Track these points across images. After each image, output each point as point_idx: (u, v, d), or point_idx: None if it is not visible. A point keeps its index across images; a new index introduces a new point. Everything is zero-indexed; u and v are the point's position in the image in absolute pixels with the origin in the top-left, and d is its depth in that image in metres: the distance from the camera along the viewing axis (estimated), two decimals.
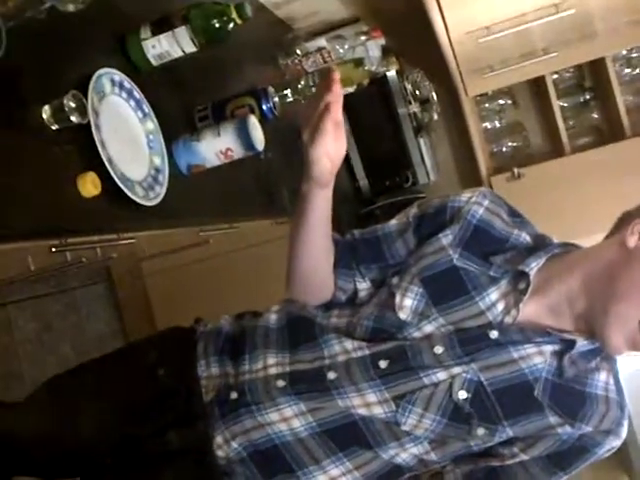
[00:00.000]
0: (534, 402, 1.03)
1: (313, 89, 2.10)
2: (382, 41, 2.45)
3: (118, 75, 1.20)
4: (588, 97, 2.89)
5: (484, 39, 1.78)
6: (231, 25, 1.31)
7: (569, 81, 2.89)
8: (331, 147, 1.06)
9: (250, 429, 1.09)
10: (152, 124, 1.27)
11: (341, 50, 2.23)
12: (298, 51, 2.25)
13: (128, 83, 1.22)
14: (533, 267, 1.06)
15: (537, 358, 1.03)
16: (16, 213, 0.93)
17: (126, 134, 1.22)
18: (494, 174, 2.82)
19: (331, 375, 1.07)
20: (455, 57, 2.01)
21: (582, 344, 1.04)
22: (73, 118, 1.01)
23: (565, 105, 2.88)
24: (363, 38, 2.39)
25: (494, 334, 1.04)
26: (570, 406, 1.04)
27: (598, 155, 2.61)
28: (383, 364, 1.06)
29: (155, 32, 1.28)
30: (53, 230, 1.03)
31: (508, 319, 1.06)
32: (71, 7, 1.08)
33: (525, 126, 3.03)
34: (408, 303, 1.09)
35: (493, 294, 1.07)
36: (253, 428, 1.08)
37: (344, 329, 1.11)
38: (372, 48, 2.39)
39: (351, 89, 2.27)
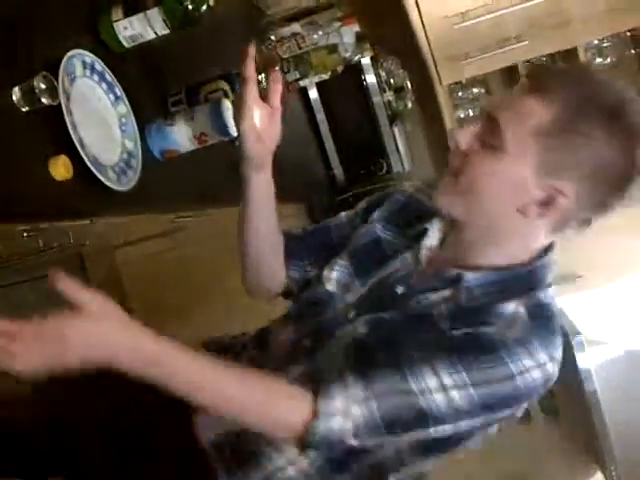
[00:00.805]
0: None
1: (287, 75, 2.09)
2: (356, 27, 2.44)
3: (89, 57, 1.17)
4: None
5: (459, 25, 1.78)
6: (204, 7, 1.29)
7: None
8: (258, 123, 1.06)
9: None
10: (124, 107, 1.25)
11: (315, 36, 2.22)
12: (272, 37, 2.23)
13: (100, 65, 1.20)
14: (434, 222, 1.10)
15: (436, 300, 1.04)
16: None
17: (98, 117, 1.20)
18: None
19: None
20: (429, 44, 2.00)
21: (472, 277, 1.03)
22: (44, 100, 0.99)
23: None
24: (337, 24, 2.37)
25: (400, 289, 1.07)
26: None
27: None
28: (307, 342, 1.11)
29: (127, 13, 1.26)
30: (24, 214, 1.01)
31: (419, 269, 1.09)
32: None
33: None
34: (334, 275, 1.14)
35: (407, 253, 1.10)
36: None
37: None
38: (346, 34, 2.37)
39: (325, 76, 2.26)
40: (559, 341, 0.99)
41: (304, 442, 0.95)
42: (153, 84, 1.44)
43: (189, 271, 2.18)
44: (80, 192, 1.09)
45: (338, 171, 2.95)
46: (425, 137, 3.13)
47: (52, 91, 1.00)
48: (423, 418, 0.94)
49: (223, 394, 0.93)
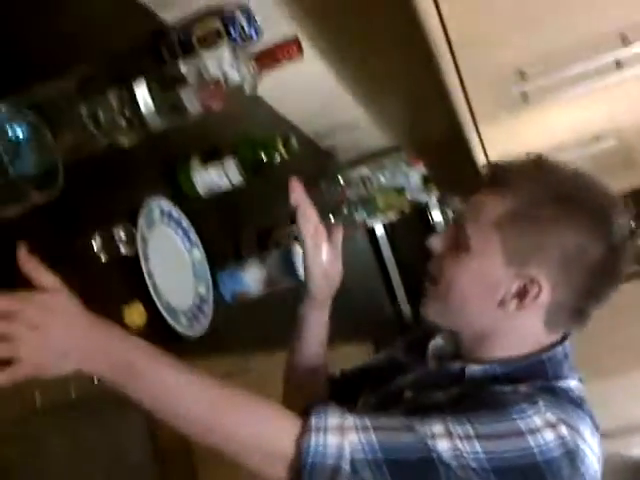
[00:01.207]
0: None
1: (355, 216, 2.14)
2: (422, 169, 2.50)
3: (167, 204, 1.22)
4: (634, 225, 2.86)
5: None
6: (277, 158, 1.35)
7: None
8: (325, 261, 1.09)
9: None
10: (199, 253, 1.28)
11: (383, 178, 2.28)
12: (341, 179, 2.30)
13: (176, 212, 1.24)
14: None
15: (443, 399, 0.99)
16: None
17: (173, 263, 1.23)
18: None
19: None
20: None
21: (476, 368, 0.99)
22: (122, 250, 1.02)
23: None
24: (404, 167, 2.44)
25: (408, 393, 1.03)
26: None
27: None
28: None
29: (205, 163, 1.33)
30: None
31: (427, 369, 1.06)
32: (125, 141, 1.13)
33: None
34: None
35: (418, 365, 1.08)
36: None
37: None
38: (413, 176, 2.43)
39: (393, 216, 2.30)
40: (581, 416, 0.90)
41: (297, 466, 0.84)
42: (226, 229, 1.49)
43: None
44: (152, 338, 1.10)
45: (405, 307, 2.93)
46: None
47: (131, 241, 1.04)
48: (428, 461, 0.85)
49: (206, 410, 0.85)
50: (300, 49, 1.20)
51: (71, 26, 1.16)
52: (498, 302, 0.97)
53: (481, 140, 1.62)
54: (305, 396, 1.15)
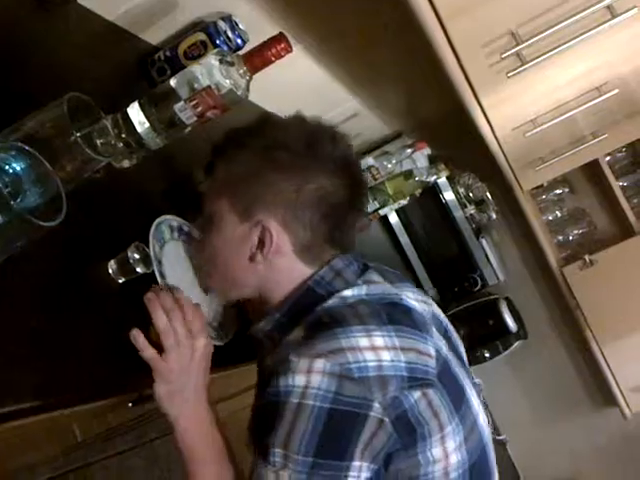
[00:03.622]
0: None
1: (367, 207, 2.12)
2: (428, 150, 2.47)
3: (176, 221, 1.22)
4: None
5: (531, 132, 1.77)
6: None
7: (624, 160, 2.85)
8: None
9: None
10: None
11: (389, 165, 2.26)
12: None
13: (186, 226, 1.24)
14: None
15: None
16: (92, 371, 0.93)
17: (189, 276, 1.22)
18: (565, 265, 2.74)
19: None
20: (505, 155, 1.99)
21: (260, 326, 1.06)
22: (139, 269, 1.02)
23: (625, 184, 2.82)
24: (409, 151, 2.42)
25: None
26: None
27: None
28: None
29: (208, 175, 1.31)
30: (130, 384, 1.02)
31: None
32: (126, 163, 1.13)
33: (587, 212, 2.97)
34: None
35: None
36: None
37: None
38: (419, 159, 2.41)
39: (404, 201, 2.28)
40: (346, 330, 0.89)
41: None
42: None
43: None
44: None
45: (432, 293, 2.90)
46: (515, 245, 3.07)
47: (145, 259, 1.03)
48: None
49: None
50: (288, 45, 1.18)
51: (56, 55, 1.16)
52: (249, 259, 1.02)
53: (483, 110, 1.60)
54: None
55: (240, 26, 1.50)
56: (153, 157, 1.15)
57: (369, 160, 2.24)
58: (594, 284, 2.65)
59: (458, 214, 2.82)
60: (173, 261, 1.17)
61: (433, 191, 2.75)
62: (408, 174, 2.20)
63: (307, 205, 0.99)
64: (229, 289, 1.11)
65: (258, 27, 1.45)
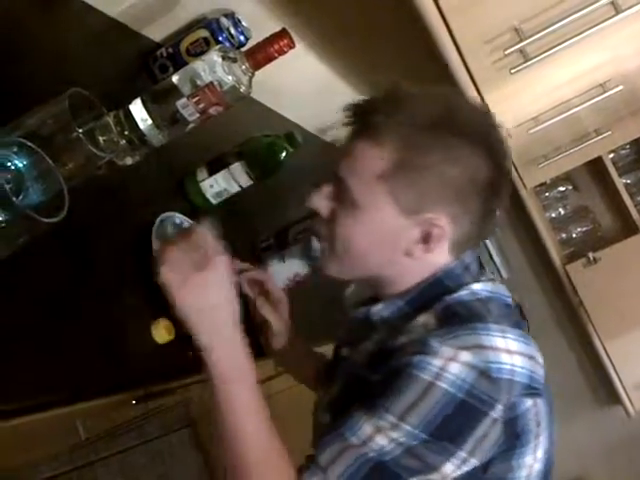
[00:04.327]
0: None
1: None
2: None
3: (179, 218, 1.21)
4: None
5: (534, 130, 1.76)
6: (284, 154, 1.33)
7: (628, 157, 2.84)
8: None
9: None
10: None
11: None
12: None
13: (188, 223, 1.23)
14: None
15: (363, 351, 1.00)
16: (96, 369, 0.93)
17: None
18: (568, 262, 2.74)
19: None
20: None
21: (378, 307, 0.99)
22: None
23: (629, 182, 2.82)
24: None
25: (344, 351, 1.06)
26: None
27: None
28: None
29: (211, 172, 1.32)
30: (132, 381, 1.02)
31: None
32: (129, 160, 1.13)
33: (591, 209, 2.96)
34: None
35: None
36: None
37: None
38: None
39: None
40: (479, 327, 0.88)
41: None
42: (242, 233, 1.48)
43: (300, 413, 2.14)
44: (183, 350, 1.09)
45: None
46: (518, 243, 3.06)
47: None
48: (382, 468, 0.85)
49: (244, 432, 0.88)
50: (291, 41, 1.18)
51: (58, 52, 1.16)
52: (404, 251, 0.95)
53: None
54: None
55: (243, 23, 1.49)
56: (154, 155, 1.15)
57: None
58: (598, 282, 2.64)
59: None
60: None
61: None
62: None
63: (475, 198, 0.94)
64: (352, 273, 1.02)
65: (261, 24, 1.45)
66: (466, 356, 0.85)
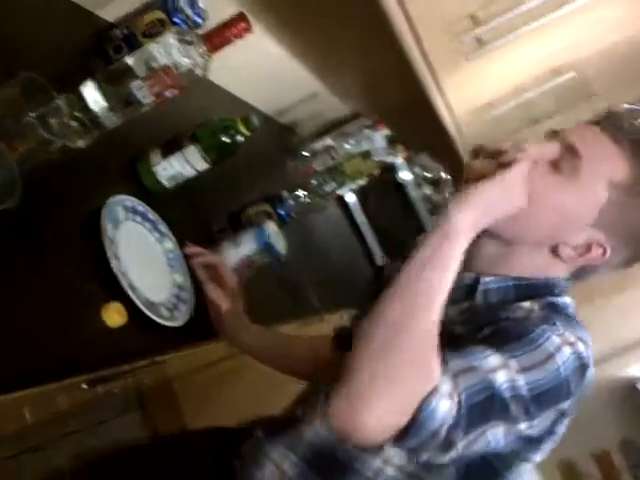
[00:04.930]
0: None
1: (325, 187, 2.12)
2: (386, 131, 2.48)
3: (130, 200, 1.20)
4: None
5: (488, 115, 1.79)
6: (239, 137, 1.32)
7: None
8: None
9: None
10: (170, 243, 1.26)
11: (347, 146, 2.26)
12: (306, 153, 2.28)
13: (141, 206, 1.22)
14: None
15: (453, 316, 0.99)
16: (45, 353, 0.91)
17: (145, 256, 1.21)
18: None
19: None
20: (463, 136, 2.01)
21: (490, 279, 0.99)
22: None
23: None
24: (367, 131, 2.42)
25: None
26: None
27: None
28: None
29: (165, 154, 1.30)
30: (83, 366, 1.00)
31: None
32: (81, 143, 1.10)
33: None
34: None
35: None
36: None
37: None
38: (377, 139, 2.41)
39: (362, 181, 2.29)
40: (584, 329, 0.92)
41: (414, 418, 0.80)
42: (197, 216, 1.46)
43: (253, 394, 2.14)
44: (136, 334, 1.08)
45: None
46: None
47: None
48: (495, 402, 0.84)
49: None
50: (248, 25, 1.17)
51: (8, 33, 1.12)
52: (555, 241, 0.96)
53: (442, 93, 1.61)
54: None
55: (200, 4, 1.47)
56: (107, 138, 1.12)
57: (327, 140, 2.24)
58: None
59: (414, 193, 2.84)
60: (128, 241, 1.15)
61: (390, 171, 2.76)
62: (366, 154, 2.20)
63: (637, 250, 0.98)
64: (507, 228, 0.97)
65: (218, 5, 1.43)
66: (580, 347, 0.89)
